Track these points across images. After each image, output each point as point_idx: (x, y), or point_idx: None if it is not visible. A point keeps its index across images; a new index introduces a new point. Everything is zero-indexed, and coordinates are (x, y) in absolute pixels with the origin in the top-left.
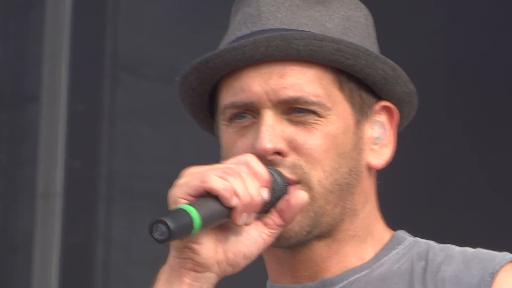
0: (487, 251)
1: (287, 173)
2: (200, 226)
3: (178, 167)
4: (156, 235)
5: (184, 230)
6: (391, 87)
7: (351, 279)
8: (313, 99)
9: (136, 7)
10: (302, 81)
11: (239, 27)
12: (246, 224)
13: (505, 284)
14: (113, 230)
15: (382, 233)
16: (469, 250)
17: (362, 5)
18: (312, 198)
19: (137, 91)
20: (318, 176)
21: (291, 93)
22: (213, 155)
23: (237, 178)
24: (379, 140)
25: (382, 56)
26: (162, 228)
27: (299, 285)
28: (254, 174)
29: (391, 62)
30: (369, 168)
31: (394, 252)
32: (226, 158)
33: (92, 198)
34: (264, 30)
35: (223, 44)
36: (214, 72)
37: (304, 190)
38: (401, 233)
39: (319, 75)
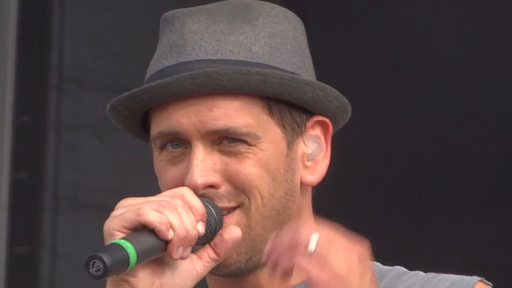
0: (445, 275)
1: (224, 202)
2: (136, 260)
3: (123, 178)
4: (93, 271)
5: (120, 265)
6: (322, 105)
7: None
8: (243, 129)
9: (81, 19)
10: (231, 112)
11: (165, 55)
12: (182, 258)
13: None
14: (58, 241)
15: None
16: (424, 273)
17: (290, 14)
18: (249, 226)
19: (82, 103)
20: (256, 203)
21: (220, 124)
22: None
23: (173, 211)
24: (313, 156)
25: (308, 80)
26: (99, 263)
27: None
28: (190, 207)
29: (319, 83)
30: (304, 185)
31: None
32: (159, 184)
33: (37, 209)
34: (189, 61)
35: (150, 70)
36: (142, 105)
37: (242, 217)
38: None
39: (247, 104)
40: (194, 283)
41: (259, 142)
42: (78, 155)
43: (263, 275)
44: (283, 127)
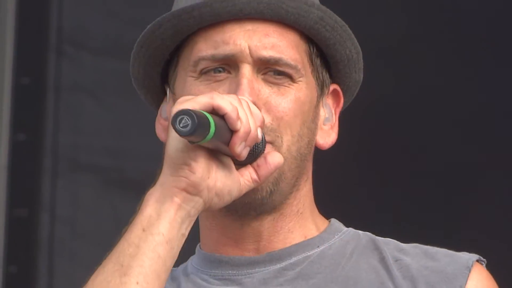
0: (445, 250)
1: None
2: (213, 134)
3: (122, 140)
4: (179, 127)
5: (202, 131)
6: (348, 71)
7: (301, 256)
8: (292, 62)
9: None
10: (283, 44)
11: None
12: (239, 157)
13: (480, 280)
14: (57, 203)
15: (320, 217)
16: (420, 245)
17: None
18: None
19: (81, 65)
20: (287, 140)
21: (273, 52)
22: (154, 127)
23: (240, 106)
24: (327, 122)
25: (353, 36)
26: (187, 121)
27: (243, 257)
28: (251, 113)
29: (357, 44)
30: (315, 147)
31: (337, 237)
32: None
33: (36, 171)
34: None
35: None
36: (195, 22)
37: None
38: (336, 221)
39: (297, 42)
40: (238, 194)
41: (300, 81)
42: (77, 117)
43: (268, 224)
44: (317, 79)
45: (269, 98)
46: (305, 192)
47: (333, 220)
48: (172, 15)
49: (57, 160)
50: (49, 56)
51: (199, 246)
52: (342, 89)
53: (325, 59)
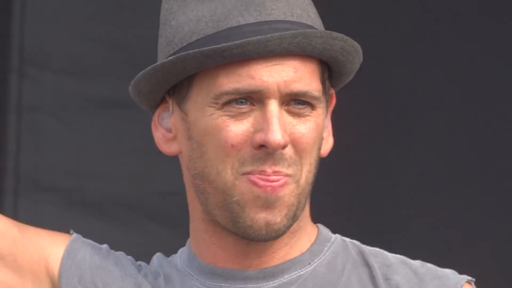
0: (433, 266)
1: (284, 167)
2: None
3: (84, 161)
4: None
5: None
6: (347, 79)
7: (294, 275)
8: (316, 93)
9: (42, 1)
10: (307, 76)
11: (238, 13)
12: None
13: None
14: None
15: (311, 224)
16: (409, 260)
17: None
18: (299, 194)
19: (43, 85)
20: (306, 171)
21: (301, 86)
22: (117, 147)
23: None
24: (326, 129)
25: (361, 51)
26: None
27: (239, 271)
28: None
29: (362, 56)
30: None
31: (326, 249)
32: (210, 140)
33: None
34: (271, 21)
35: (209, 27)
36: (224, 61)
37: (295, 186)
38: (323, 228)
39: (316, 69)
40: None
41: (319, 107)
42: (39, 138)
43: (273, 243)
44: (324, 95)
45: (293, 129)
46: (307, 206)
47: (320, 226)
48: (201, 54)
49: (19, 181)
50: (10, 76)
51: (193, 252)
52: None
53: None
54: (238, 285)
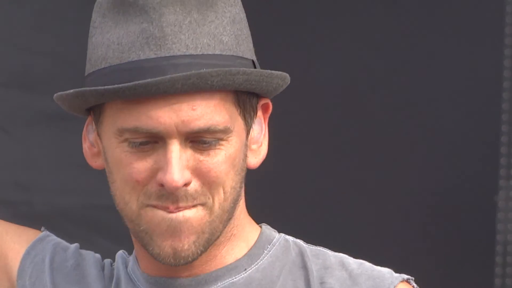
0: (371, 266)
1: (189, 201)
2: None
3: (31, 173)
4: None
5: None
6: (276, 92)
7: (227, 282)
8: (221, 127)
9: None
10: (210, 110)
11: (140, 46)
12: None
13: None
14: None
15: (250, 227)
16: (349, 260)
17: None
18: (211, 221)
19: None
20: (219, 199)
21: (202, 124)
22: (64, 160)
23: None
24: (257, 139)
25: (278, 73)
26: None
27: (172, 279)
28: None
29: (283, 74)
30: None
31: (266, 252)
32: (117, 171)
33: None
34: (171, 56)
35: (113, 57)
36: (120, 98)
37: (206, 213)
38: (267, 228)
39: (223, 99)
40: None
41: (230, 136)
42: None
43: (199, 259)
44: (244, 117)
45: (199, 164)
46: (238, 213)
47: (264, 227)
48: (96, 92)
49: None
50: None
51: (137, 261)
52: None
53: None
54: None
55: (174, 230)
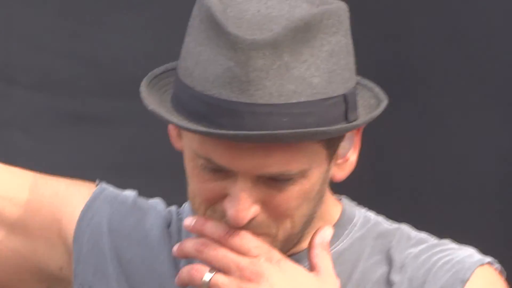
0: (451, 249)
1: (251, 230)
2: None
3: (52, 174)
4: None
5: None
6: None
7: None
8: (295, 171)
9: (10, 14)
10: (287, 157)
11: (223, 84)
12: None
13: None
14: None
15: (332, 205)
16: (429, 242)
17: (341, 11)
18: (275, 243)
19: (12, 100)
20: (284, 230)
21: (274, 170)
22: (87, 161)
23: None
24: (344, 154)
25: (369, 118)
26: None
27: None
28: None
29: (376, 113)
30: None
31: (347, 233)
32: (189, 179)
33: None
34: (251, 103)
35: (199, 76)
36: (197, 133)
37: (269, 240)
38: (348, 204)
39: (305, 147)
40: None
41: (307, 174)
42: (8, 152)
43: None
44: (328, 149)
45: (269, 198)
46: (323, 204)
47: (344, 203)
48: (174, 123)
49: None
50: None
51: None
52: None
53: None
54: None
55: None
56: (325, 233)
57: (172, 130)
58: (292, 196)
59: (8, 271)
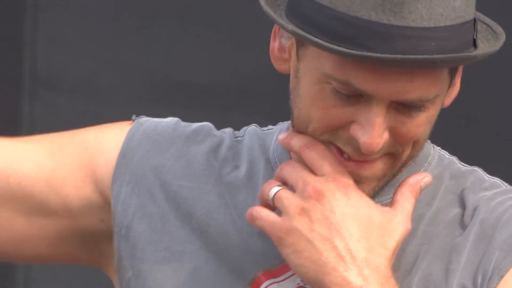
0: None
1: (379, 153)
2: None
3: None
4: None
5: None
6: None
7: (385, 201)
8: (431, 96)
9: (53, 22)
10: (428, 82)
11: (374, 6)
12: None
13: None
14: None
15: None
16: (503, 187)
17: None
18: (395, 166)
19: (55, 106)
20: (408, 151)
21: (415, 96)
22: None
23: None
24: (455, 81)
25: (499, 46)
26: None
27: None
28: None
29: (502, 37)
30: None
31: (423, 170)
32: (311, 105)
33: None
34: (403, 26)
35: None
36: (343, 56)
37: (388, 164)
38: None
39: (442, 71)
40: None
41: (436, 99)
42: None
43: None
44: (451, 75)
45: (398, 125)
46: None
47: None
48: (317, 44)
49: None
50: (23, 98)
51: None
52: None
53: None
54: None
55: (355, 178)
56: (423, 179)
57: (277, 51)
58: (421, 122)
59: (61, 249)
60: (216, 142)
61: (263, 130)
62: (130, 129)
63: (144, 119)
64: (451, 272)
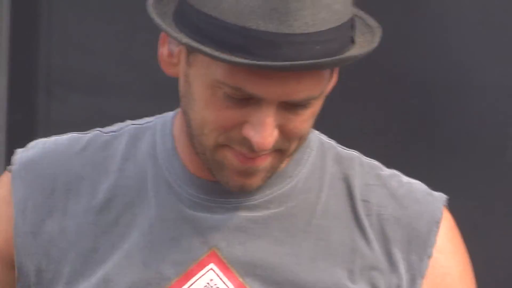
0: (408, 182)
1: (267, 151)
2: None
3: None
4: None
5: None
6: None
7: (275, 193)
8: (317, 94)
9: (65, 21)
10: (313, 82)
11: (261, 15)
12: None
13: (447, 235)
14: None
15: None
16: (383, 174)
17: None
18: (283, 159)
19: (70, 104)
20: (295, 145)
21: (302, 96)
22: None
23: None
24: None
25: (378, 37)
26: None
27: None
28: None
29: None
30: None
31: (306, 158)
32: (199, 107)
33: None
34: (289, 34)
35: (229, 12)
36: (232, 64)
37: (276, 159)
38: None
39: (327, 71)
40: None
41: (320, 96)
42: None
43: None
44: (332, 71)
45: (285, 122)
46: None
47: None
48: (205, 53)
49: None
50: (38, 96)
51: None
52: None
53: None
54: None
55: (248, 173)
56: None
57: (166, 56)
58: (306, 118)
59: None
60: (81, 146)
61: (141, 124)
62: (12, 174)
63: (16, 157)
64: (354, 273)
